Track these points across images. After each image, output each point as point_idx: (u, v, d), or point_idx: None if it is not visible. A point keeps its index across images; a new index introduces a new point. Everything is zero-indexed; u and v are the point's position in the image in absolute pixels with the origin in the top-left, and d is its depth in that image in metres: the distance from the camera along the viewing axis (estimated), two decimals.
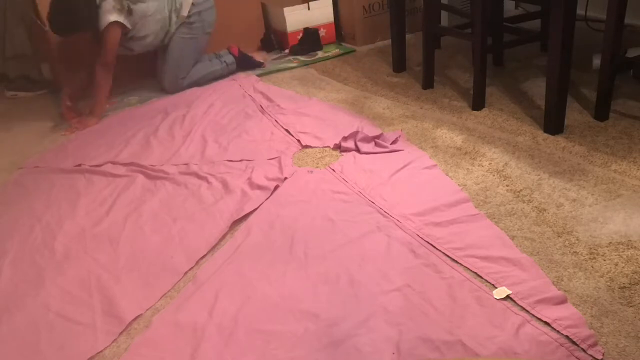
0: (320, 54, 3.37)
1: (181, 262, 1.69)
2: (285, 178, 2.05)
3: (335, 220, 1.79)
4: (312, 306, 1.46)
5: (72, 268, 1.71)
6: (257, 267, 1.63)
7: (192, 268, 1.67)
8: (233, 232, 1.81)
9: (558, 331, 1.29)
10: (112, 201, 2.04)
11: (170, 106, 2.80)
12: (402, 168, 2.03)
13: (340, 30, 3.57)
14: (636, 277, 1.43)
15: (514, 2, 3.61)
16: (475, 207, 1.77)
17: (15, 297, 1.61)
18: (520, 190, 1.84)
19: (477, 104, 2.44)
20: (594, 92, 2.28)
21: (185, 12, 2.91)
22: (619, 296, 1.39)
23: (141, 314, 1.51)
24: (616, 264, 1.48)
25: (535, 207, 1.75)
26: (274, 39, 3.45)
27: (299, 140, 2.33)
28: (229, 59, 3.15)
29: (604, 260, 1.50)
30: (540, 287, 1.42)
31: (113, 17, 2.66)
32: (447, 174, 1.97)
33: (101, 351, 1.41)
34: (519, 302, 1.39)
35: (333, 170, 2.08)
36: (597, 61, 2.59)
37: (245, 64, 3.20)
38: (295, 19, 3.41)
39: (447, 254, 1.58)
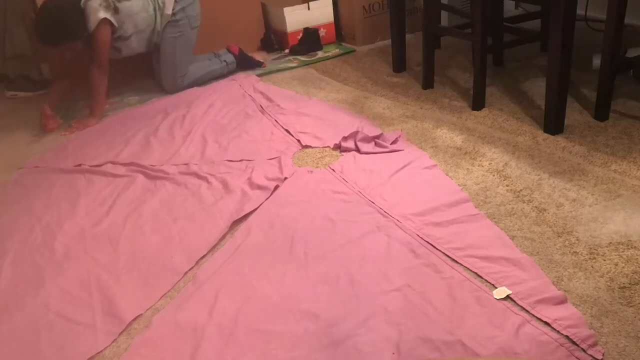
0: (320, 54, 3.37)
1: (181, 262, 1.69)
2: (285, 178, 2.05)
3: (335, 220, 1.79)
4: (312, 306, 1.46)
5: (72, 268, 1.71)
6: (257, 267, 1.63)
7: (192, 268, 1.67)
8: (233, 232, 1.81)
9: (558, 331, 1.29)
10: (112, 201, 2.04)
11: (170, 106, 2.80)
12: (402, 168, 2.03)
13: (340, 30, 3.57)
14: (636, 277, 1.43)
15: (514, 2, 3.61)
16: (475, 207, 1.77)
17: (15, 297, 1.61)
18: (520, 190, 1.84)
19: (477, 104, 2.44)
20: (594, 92, 2.28)
21: (169, 10, 2.88)
22: (619, 296, 1.39)
23: (141, 314, 1.51)
24: (616, 264, 1.48)
25: (535, 207, 1.75)
26: (274, 39, 3.45)
27: (299, 140, 2.33)
28: (229, 58, 3.15)
29: (604, 260, 1.50)
30: (540, 287, 1.42)
31: (101, 14, 2.64)
32: (447, 174, 1.97)
33: (101, 351, 1.41)
34: (519, 302, 1.39)
35: (333, 170, 2.08)
36: (597, 61, 2.59)
37: (245, 63, 3.20)
38: (295, 19, 3.41)
39: (447, 254, 1.58)
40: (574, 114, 2.27)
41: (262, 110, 2.66)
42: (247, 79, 3.05)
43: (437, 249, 1.60)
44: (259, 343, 1.37)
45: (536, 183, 1.87)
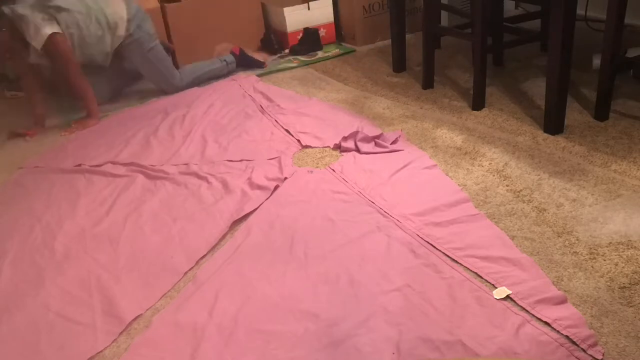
0: (320, 54, 3.37)
1: (181, 262, 1.69)
2: (285, 178, 2.05)
3: (335, 220, 1.79)
4: (312, 306, 1.46)
5: (72, 268, 1.71)
6: (257, 267, 1.63)
7: (192, 268, 1.67)
8: (233, 232, 1.81)
9: (558, 331, 1.29)
10: (112, 201, 2.04)
11: (170, 106, 2.80)
12: (402, 168, 2.03)
13: (340, 30, 3.57)
14: (636, 277, 1.43)
15: (514, 2, 3.61)
16: (475, 207, 1.77)
17: (15, 297, 1.61)
18: (520, 190, 1.84)
19: (477, 104, 2.44)
20: (594, 92, 2.28)
21: (122, 32, 2.77)
22: (619, 296, 1.39)
23: (141, 314, 1.51)
24: (616, 264, 1.48)
25: (535, 207, 1.75)
26: (274, 39, 3.45)
27: (299, 140, 2.33)
28: (229, 57, 3.15)
29: (604, 260, 1.50)
30: (540, 287, 1.42)
31: (48, 29, 2.55)
32: (447, 174, 1.97)
33: (101, 351, 1.41)
34: (519, 302, 1.39)
35: (333, 170, 2.08)
36: (597, 61, 2.59)
37: (245, 63, 3.20)
38: (295, 19, 3.41)
39: (447, 254, 1.58)
40: (574, 114, 2.27)
41: (262, 110, 2.66)
42: (247, 79, 3.05)
43: (437, 249, 1.60)
44: (259, 343, 1.37)
45: (536, 183, 1.86)
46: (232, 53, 3.18)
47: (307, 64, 3.25)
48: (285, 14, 3.38)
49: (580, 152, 2.01)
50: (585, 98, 2.40)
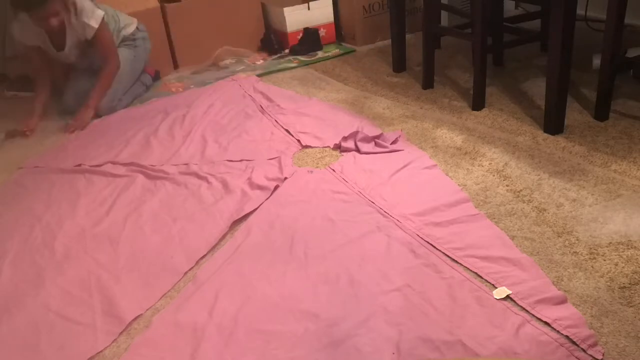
0: (320, 54, 3.37)
1: (181, 262, 1.69)
2: (285, 178, 2.05)
3: (335, 220, 1.79)
4: (312, 306, 1.46)
5: (72, 268, 1.71)
6: (257, 267, 1.63)
7: (192, 268, 1.67)
8: (233, 232, 1.81)
9: (558, 331, 1.29)
10: (112, 201, 2.04)
11: (170, 106, 2.80)
12: (402, 168, 2.03)
13: (340, 30, 3.57)
14: (636, 277, 1.43)
15: (514, 2, 3.61)
16: (475, 207, 1.77)
17: (15, 297, 1.61)
18: (520, 190, 1.84)
19: (477, 104, 2.44)
20: (594, 92, 2.28)
21: (128, 32, 2.86)
22: (619, 296, 1.39)
23: (141, 314, 1.51)
24: (616, 264, 1.48)
25: (535, 207, 1.75)
26: (274, 39, 3.45)
27: (299, 140, 2.33)
28: (147, 79, 3.10)
29: (604, 260, 1.50)
30: (540, 287, 1.42)
31: (99, 11, 2.63)
32: (447, 174, 1.97)
33: (101, 351, 1.41)
34: (519, 302, 1.39)
35: (333, 170, 2.08)
36: (597, 61, 2.59)
37: (154, 78, 3.19)
38: (295, 19, 3.41)
39: (447, 254, 1.58)
40: (574, 114, 2.27)
41: (262, 110, 2.66)
42: (247, 79, 3.05)
43: (437, 249, 1.60)
44: (259, 343, 1.37)
45: (536, 183, 1.86)
46: (148, 74, 3.12)
47: (307, 64, 3.25)
48: (285, 14, 3.38)
49: (580, 152, 2.01)
50: (585, 98, 2.40)
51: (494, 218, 1.72)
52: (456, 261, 1.55)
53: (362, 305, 1.44)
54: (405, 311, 1.40)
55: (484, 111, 2.42)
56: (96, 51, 2.76)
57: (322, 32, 3.46)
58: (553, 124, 2.15)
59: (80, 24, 2.64)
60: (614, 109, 2.25)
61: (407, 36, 2.99)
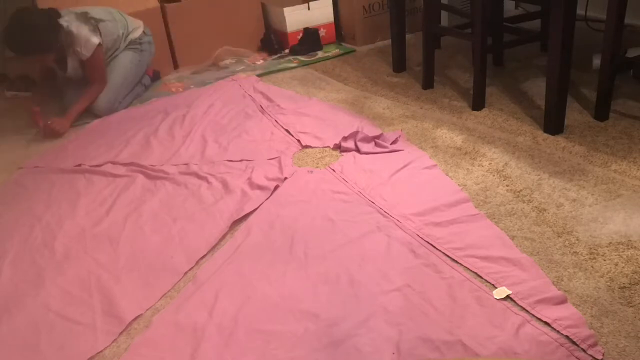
0: (320, 54, 3.37)
1: (181, 262, 1.69)
2: (285, 178, 2.05)
3: (335, 220, 1.79)
4: (312, 306, 1.46)
5: (72, 268, 1.71)
6: (257, 267, 1.63)
7: (192, 268, 1.67)
8: (233, 232, 1.81)
9: (558, 331, 1.29)
10: (112, 201, 2.04)
11: (170, 106, 2.80)
12: (402, 168, 2.03)
13: (340, 30, 3.57)
14: (636, 277, 1.43)
15: (514, 2, 3.61)
16: (475, 207, 1.77)
17: (15, 297, 1.61)
18: (520, 190, 1.84)
19: (477, 104, 2.44)
20: (594, 92, 2.28)
21: (135, 35, 2.89)
22: (619, 296, 1.39)
23: (141, 314, 1.51)
24: (616, 264, 1.48)
25: (535, 207, 1.75)
26: (274, 39, 3.45)
27: (299, 140, 2.33)
28: (147, 80, 3.12)
29: (604, 260, 1.50)
30: (540, 287, 1.42)
31: (95, 39, 2.68)
32: (447, 174, 1.97)
33: (101, 351, 1.41)
34: (519, 302, 1.39)
35: (333, 170, 2.08)
36: (597, 61, 2.59)
37: (153, 78, 3.20)
38: (295, 19, 3.41)
39: (447, 254, 1.58)
40: (574, 114, 2.27)
41: (262, 110, 2.66)
42: (247, 79, 3.05)
43: (437, 249, 1.60)
44: (259, 343, 1.37)
45: (536, 183, 1.86)
46: (147, 75, 3.13)
47: (307, 64, 3.25)
48: (285, 14, 3.38)
49: (580, 152, 2.01)
50: (585, 98, 2.40)
51: (494, 218, 1.72)
52: (456, 261, 1.55)
53: (362, 305, 1.44)
54: (405, 311, 1.40)
55: (484, 111, 2.42)
56: (85, 71, 2.78)
57: (322, 32, 3.46)
58: (553, 124, 2.15)
59: (75, 51, 2.70)
60: (614, 109, 2.25)
61: (407, 36, 2.99)
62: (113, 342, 1.43)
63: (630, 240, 1.56)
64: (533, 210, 1.73)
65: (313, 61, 3.27)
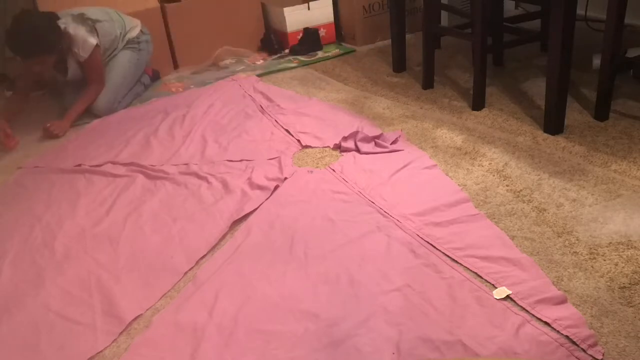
0: (320, 54, 3.37)
1: (181, 262, 1.69)
2: (285, 178, 2.05)
3: (335, 220, 1.79)
4: (312, 306, 1.46)
5: (72, 268, 1.71)
6: (257, 267, 1.63)
7: (192, 268, 1.67)
8: (233, 232, 1.81)
9: (558, 331, 1.29)
10: (112, 201, 2.04)
11: (170, 106, 2.80)
12: (402, 168, 2.03)
13: (340, 30, 3.57)
14: (636, 277, 1.43)
15: (514, 2, 3.61)
16: (475, 207, 1.77)
17: (15, 297, 1.61)
18: (520, 190, 1.84)
19: (477, 104, 2.44)
20: (594, 92, 2.28)
21: (132, 35, 2.89)
22: (619, 296, 1.39)
23: (141, 314, 1.51)
24: (616, 264, 1.48)
25: (535, 207, 1.75)
26: (274, 39, 3.45)
27: (299, 140, 2.33)
28: (146, 79, 3.12)
29: (604, 260, 1.50)
30: (540, 287, 1.42)
31: (93, 40, 2.68)
32: (447, 174, 1.97)
33: (101, 351, 1.41)
34: (519, 302, 1.39)
35: (333, 170, 2.08)
36: (597, 61, 2.59)
37: (153, 78, 3.20)
38: (295, 19, 3.41)
39: (447, 254, 1.58)
40: (574, 114, 2.27)
41: (262, 110, 2.66)
42: (247, 79, 3.05)
43: (437, 249, 1.60)
44: (259, 343, 1.37)
45: (536, 183, 1.87)
46: (146, 74, 3.13)
47: (307, 64, 3.25)
48: (285, 14, 3.38)
49: (580, 152, 2.01)
50: (585, 98, 2.40)
51: (494, 218, 1.72)
52: (456, 261, 1.55)
53: (362, 305, 1.44)
54: (405, 311, 1.40)
55: (484, 111, 2.42)
56: (84, 72, 2.78)
57: (322, 32, 3.47)
58: (553, 124, 2.15)
59: (72, 52, 2.71)
60: (614, 109, 2.26)
61: (407, 36, 2.99)
62: (113, 342, 1.43)
63: (630, 240, 1.56)
64: (533, 210, 1.73)
65: (313, 61, 3.27)
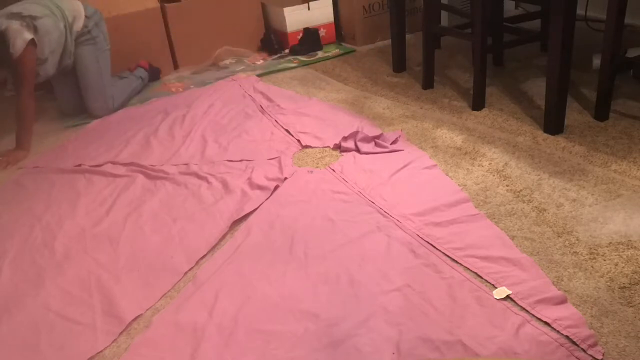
0: (320, 54, 3.37)
1: (181, 262, 1.69)
2: (285, 178, 2.05)
3: (335, 220, 1.79)
4: (312, 306, 1.46)
5: (72, 268, 1.71)
6: (257, 267, 1.63)
7: (192, 268, 1.67)
8: (233, 232, 1.81)
9: (558, 331, 1.29)
10: (112, 201, 2.04)
11: (170, 106, 2.80)
12: (402, 168, 2.03)
13: (340, 30, 3.57)
14: (636, 277, 1.43)
15: (514, 2, 3.61)
16: (475, 207, 1.77)
17: (15, 297, 1.61)
18: (520, 190, 1.84)
19: (477, 104, 2.44)
20: (594, 92, 2.28)
21: (78, 26, 2.69)
22: (619, 296, 1.39)
23: (141, 314, 1.51)
24: (616, 264, 1.48)
25: (535, 207, 1.75)
26: (274, 39, 3.45)
27: (299, 140, 2.33)
28: (143, 73, 3.08)
29: (604, 260, 1.50)
30: (540, 287, 1.42)
31: (26, 34, 2.45)
32: (447, 174, 1.97)
33: (101, 351, 1.41)
34: (519, 302, 1.39)
35: (333, 170, 2.08)
36: (597, 61, 2.59)
37: (153, 75, 3.18)
38: (295, 19, 3.41)
39: (447, 254, 1.58)
40: (574, 114, 2.27)
41: (262, 110, 2.66)
42: (247, 79, 3.05)
43: (437, 249, 1.60)
44: (259, 343, 1.37)
45: (536, 183, 1.86)
46: (143, 68, 3.09)
47: (307, 64, 3.25)
48: (285, 14, 3.38)
49: (580, 152, 2.01)
50: (585, 98, 2.40)
51: (494, 218, 1.72)
52: (456, 261, 1.55)
53: (362, 305, 1.44)
54: (405, 311, 1.40)
55: (484, 111, 2.42)
56: (14, 74, 2.54)
57: (322, 32, 3.47)
58: (553, 124, 2.15)
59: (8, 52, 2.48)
60: (614, 109, 2.25)
61: (407, 36, 2.99)
62: (113, 342, 1.43)
63: (630, 240, 1.56)
64: (533, 210, 1.73)
65: (313, 61, 3.27)
